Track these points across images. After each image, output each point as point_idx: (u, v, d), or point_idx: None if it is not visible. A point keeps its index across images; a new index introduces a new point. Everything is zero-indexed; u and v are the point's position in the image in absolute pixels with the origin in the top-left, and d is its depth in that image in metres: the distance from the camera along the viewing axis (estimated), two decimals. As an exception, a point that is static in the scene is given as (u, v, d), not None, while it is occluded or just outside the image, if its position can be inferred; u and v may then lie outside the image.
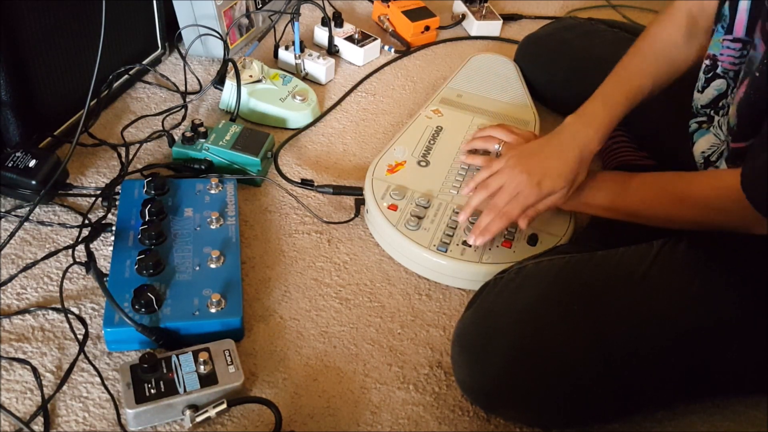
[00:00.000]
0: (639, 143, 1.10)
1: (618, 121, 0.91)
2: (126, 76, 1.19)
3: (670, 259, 0.77)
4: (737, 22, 0.81)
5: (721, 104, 0.87)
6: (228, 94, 1.17)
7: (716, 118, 0.87)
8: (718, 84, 0.86)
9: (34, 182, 0.92)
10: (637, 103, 0.92)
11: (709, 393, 0.80)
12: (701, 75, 0.89)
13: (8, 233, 0.89)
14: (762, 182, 0.68)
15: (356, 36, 1.39)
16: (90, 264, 0.79)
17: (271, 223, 0.99)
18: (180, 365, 0.74)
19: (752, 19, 0.79)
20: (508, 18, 1.59)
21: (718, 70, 0.86)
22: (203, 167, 1.02)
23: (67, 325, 0.80)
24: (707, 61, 0.87)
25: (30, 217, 0.91)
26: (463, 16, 1.56)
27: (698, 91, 0.90)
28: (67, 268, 0.86)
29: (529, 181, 0.86)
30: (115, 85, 1.16)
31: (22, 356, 0.78)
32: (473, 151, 1.04)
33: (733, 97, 0.80)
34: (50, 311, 0.83)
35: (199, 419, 0.72)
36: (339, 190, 1.02)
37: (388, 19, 1.48)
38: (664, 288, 0.75)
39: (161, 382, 0.72)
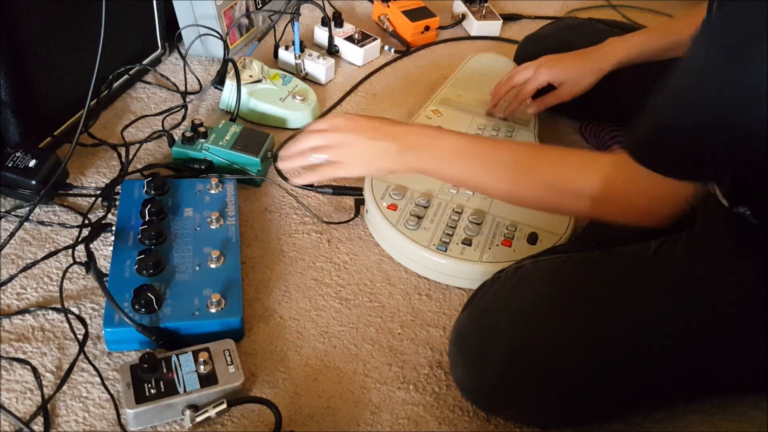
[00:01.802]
0: None
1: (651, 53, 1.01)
2: (126, 76, 1.19)
3: (668, 258, 0.77)
4: None
5: None
6: (228, 94, 1.17)
7: None
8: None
9: (34, 182, 0.92)
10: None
11: (709, 393, 0.80)
12: None
13: (8, 233, 0.89)
14: (652, 142, 0.68)
15: (356, 36, 1.39)
16: (90, 264, 0.79)
17: (271, 223, 0.99)
18: (180, 365, 0.74)
19: None
20: (508, 18, 1.59)
21: None
22: (203, 167, 1.02)
23: (67, 325, 0.80)
24: None
25: (30, 217, 0.91)
26: (463, 16, 1.56)
27: None
28: (67, 268, 0.86)
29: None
30: (115, 85, 1.16)
31: (22, 356, 0.78)
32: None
33: None
34: (50, 311, 0.83)
35: (199, 419, 0.72)
36: (339, 191, 1.02)
37: (388, 19, 1.48)
38: (661, 287, 0.75)
39: (161, 382, 0.72)
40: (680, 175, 0.67)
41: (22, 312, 0.82)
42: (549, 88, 1.11)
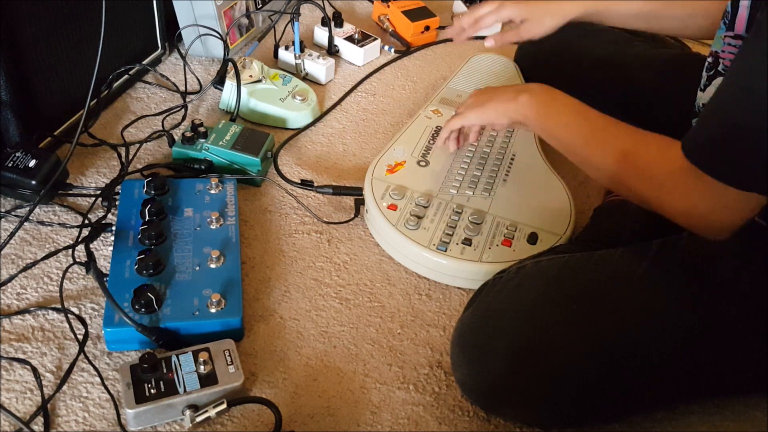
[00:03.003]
0: None
1: (626, 13, 1.00)
2: (126, 76, 1.19)
3: (670, 258, 0.77)
4: (738, 18, 0.81)
5: None
6: (228, 94, 1.17)
7: None
8: (719, 82, 0.86)
9: (34, 182, 0.92)
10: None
11: (709, 393, 0.80)
12: (704, 73, 0.89)
13: (8, 233, 0.89)
14: (711, 147, 0.66)
15: (356, 36, 1.39)
16: (90, 264, 0.79)
17: (271, 223, 0.99)
18: (180, 365, 0.74)
19: (753, 15, 0.79)
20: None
21: (720, 68, 0.85)
22: (203, 167, 1.02)
23: (67, 325, 0.80)
24: (709, 59, 0.87)
25: (30, 217, 0.91)
26: (463, 16, 1.56)
27: (700, 90, 0.90)
28: (67, 268, 0.86)
29: None
30: (115, 85, 1.17)
31: (22, 356, 0.78)
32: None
33: None
34: (50, 311, 0.83)
35: (199, 419, 0.72)
36: (339, 191, 1.02)
37: (388, 19, 1.48)
38: (663, 288, 0.75)
39: (161, 382, 0.72)
40: (744, 183, 0.64)
41: (22, 312, 0.82)
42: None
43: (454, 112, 1.17)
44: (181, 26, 1.26)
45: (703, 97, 0.90)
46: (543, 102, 0.87)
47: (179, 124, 1.15)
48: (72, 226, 0.93)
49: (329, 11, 1.41)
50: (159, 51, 1.27)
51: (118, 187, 0.96)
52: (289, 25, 1.32)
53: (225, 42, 1.23)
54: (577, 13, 1.04)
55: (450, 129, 1.01)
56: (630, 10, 1.02)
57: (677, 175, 0.69)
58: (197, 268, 0.84)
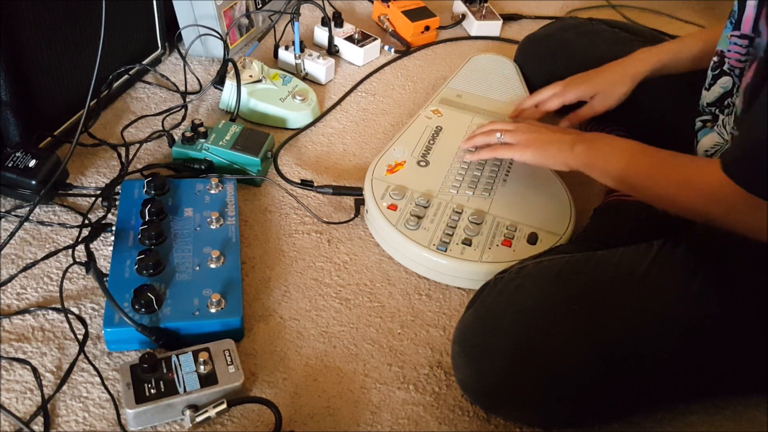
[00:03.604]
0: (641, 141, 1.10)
1: (683, 61, 1.00)
2: (126, 76, 1.19)
3: (670, 258, 0.77)
4: (745, 17, 0.81)
5: (726, 103, 0.86)
6: (228, 94, 1.17)
7: (721, 117, 0.87)
8: (724, 81, 0.86)
9: (34, 182, 0.92)
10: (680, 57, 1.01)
11: (709, 393, 0.80)
12: (709, 72, 0.89)
13: (8, 233, 0.89)
14: (748, 163, 0.67)
15: (356, 36, 1.39)
16: (90, 264, 0.79)
17: (271, 223, 0.99)
18: (180, 365, 0.74)
19: (759, 13, 0.79)
20: (508, 18, 1.59)
21: (725, 67, 0.85)
22: (203, 167, 1.02)
23: (67, 325, 0.80)
24: (715, 58, 0.87)
25: (30, 217, 0.91)
26: (463, 16, 1.56)
27: (705, 89, 0.90)
28: (67, 268, 0.86)
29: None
30: (115, 85, 1.16)
31: (22, 356, 0.78)
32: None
33: (740, 86, 0.80)
34: (50, 311, 0.83)
35: (199, 419, 0.72)
36: (339, 191, 1.02)
37: (388, 19, 1.48)
38: (664, 288, 0.75)
39: (161, 382, 0.72)
40: None
41: (22, 312, 0.82)
42: (578, 105, 1.08)
43: (453, 112, 1.17)
44: (181, 26, 1.26)
45: (707, 96, 0.90)
46: (599, 148, 0.87)
47: (179, 124, 1.15)
48: (72, 226, 0.93)
49: (329, 11, 1.41)
50: (159, 51, 1.27)
51: (118, 187, 0.96)
52: (289, 25, 1.32)
53: (225, 42, 1.23)
54: (646, 73, 1.03)
55: (494, 155, 0.99)
56: (692, 51, 1.00)
57: (720, 188, 0.70)
58: (197, 268, 0.84)
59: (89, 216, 0.94)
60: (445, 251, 0.91)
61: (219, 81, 1.18)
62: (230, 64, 1.16)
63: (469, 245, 0.92)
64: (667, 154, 0.79)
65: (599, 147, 0.87)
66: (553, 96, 1.08)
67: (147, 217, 0.89)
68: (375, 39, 1.39)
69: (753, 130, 0.68)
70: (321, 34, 1.40)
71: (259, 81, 1.18)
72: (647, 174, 0.81)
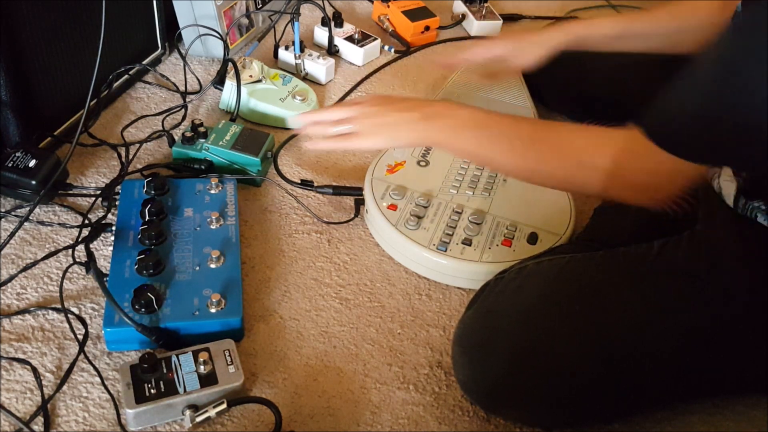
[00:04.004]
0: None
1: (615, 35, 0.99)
2: (126, 76, 1.19)
3: (671, 259, 0.77)
4: None
5: None
6: (228, 94, 1.17)
7: None
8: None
9: (34, 182, 0.92)
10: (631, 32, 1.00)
11: (709, 393, 0.80)
12: None
13: (8, 233, 0.89)
14: (669, 124, 0.67)
15: (356, 36, 1.39)
16: (90, 264, 0.79)
17: (271, 223, 0.99)
18: (180, 365, 0.74)
19: None
20: (508, 18, 1.59)
21: None
22: (203, 167, 1.02)
23: (67, 325, 0.80)
24: None
25: (30, 217, 0.91)
26: (463, 16, 1.56)
27: None
28: (67, 268, 0.86)
29: None
30: (115, 85, 1.16)
31: (22, 356, 0.78)
32: None
33: None
34: (50, 311, 0.83)
35: (199, 419, 0.72)
36: (339, 191, 1.02)
37: (388, 19, 1.48)
38: (664, 288, 0.75)
39: (161, 382, 0.72)
40: (692, 158, 0.66)
41: (22, 312, 0.82)
42: None
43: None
44: (181, 26, 1.26)
45: None
46: (449, 126, 0.81)
47: (179, 124, 1.15)
48: (72, 226, 0.93)
49: (329, 11, 1.41)
50: (159, 51, 1.27)
51: (118, 187, 0.96)
52: (289, 25, 1.32)
53: (225, 42, 1.23)
54: (560, 40, 1.06)
55: (341, 147, 0.87)
56: (612, 30, 1.01)
57: (619, 156, 0.70)
58: (197, 268, 0.84)
59: (89, 216, 0.94)
60: (445, 251, 0.91)
61: (219, 81, 1.18)
62: (230, 64, 1.16)
63: (469, 245, 0.92)
64: (517, 126, 0.79)
65: (445, 121, 0.81)
66: (481, 48, 1.13)
67: (147, 217, 0.89)
68: (375, 39, 1.39)
69: (685, 96, 0.67)
70: (321, 34, 1.40)
71: (259, 81, 1.18)
72: (500, 150, 0.79)
